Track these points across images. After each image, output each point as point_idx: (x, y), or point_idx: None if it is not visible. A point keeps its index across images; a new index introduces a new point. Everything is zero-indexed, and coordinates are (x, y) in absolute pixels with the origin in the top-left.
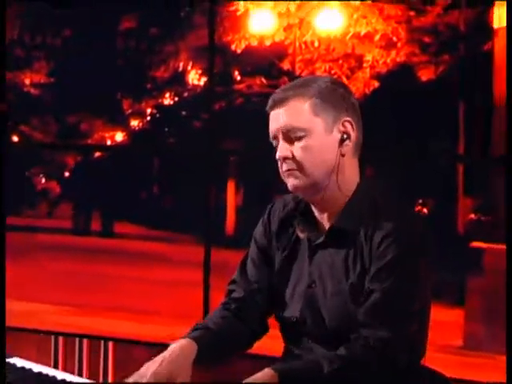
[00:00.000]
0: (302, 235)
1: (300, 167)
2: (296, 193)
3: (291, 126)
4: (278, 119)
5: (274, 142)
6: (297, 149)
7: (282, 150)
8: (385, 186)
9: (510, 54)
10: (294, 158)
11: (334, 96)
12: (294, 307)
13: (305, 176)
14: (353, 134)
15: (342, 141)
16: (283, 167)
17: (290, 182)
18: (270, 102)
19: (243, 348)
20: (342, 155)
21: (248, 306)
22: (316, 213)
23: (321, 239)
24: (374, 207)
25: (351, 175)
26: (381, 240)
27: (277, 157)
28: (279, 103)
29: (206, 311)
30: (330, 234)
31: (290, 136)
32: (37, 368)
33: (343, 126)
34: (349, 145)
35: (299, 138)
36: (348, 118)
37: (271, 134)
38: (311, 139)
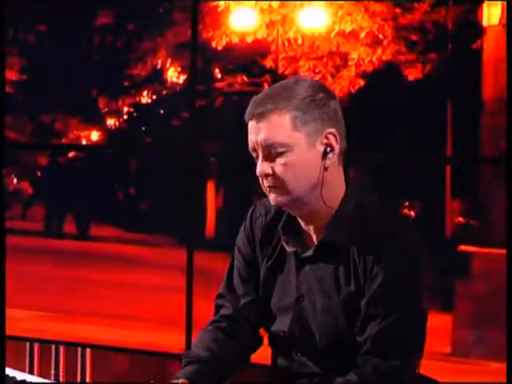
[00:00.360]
0: (288, 248)
1: (281, 184)
2: (278, 205)
3: (271, 141)
4: (256, 133)
5: (254, 154)
6: (278, 165)
7: (263, 166)
8: (372, 192)
9: (510, 53)
10: (274, 174)
11: (314, 105)
12: (282, 321)
13: (286, 192)
14: (336, 147)
15: (325, 154)
16: (264, 183)
17: (272, 198)
18: (248, 112)
19: (239, 366)
20: (326, 169)
21: (239, 323)
22: (302, 224)
23: (309, 253)
24: (363, 218)
25: (336, 186)
26: (374, 260)
27: (257, 173)
28: (257, 116)
29: (189, 316)
30: (318, 248)
31: (271, 151)
32: (20, 376)
33: (326, 138)
34: (332, 158)
35: (280, 154)
36: (331, 130)
37: (250, 146)
38: (292, 155)
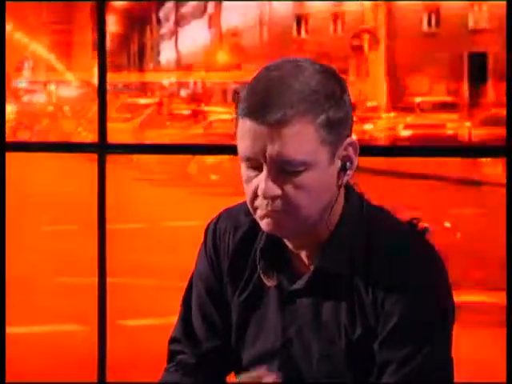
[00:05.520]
0: (268, 282)
1: (289, 208)
2: (272, 233)
3: (289, 158)
4: (264, 142)
5: (247, 163)
6: (290, 186)
7: (269, 186)
8: (377, 207)
9: (510, 53)
10: (284, 197)
11: (334, 105)
12: None
13: (293, 218)
14: (355, 160)
15: (342, 170)
16: (264, 206)
17: (269, 224)
18: (250, 111)
19: None
20: (340, 186)
21: (202, 374)
22: (289, 246)
23: (300, 284)
24: (368, 238)
25: (339, 202)
26: (387, 288)
27: (259, 193)
28: (271, 123)
29: None
30: (314, 278)
31: (285, 169)
32: None
33: (345, 150)
34: (349, 174)
35: (296, 173)
36: (352, 140)
37: (246, 153)
38: (311, 173)
